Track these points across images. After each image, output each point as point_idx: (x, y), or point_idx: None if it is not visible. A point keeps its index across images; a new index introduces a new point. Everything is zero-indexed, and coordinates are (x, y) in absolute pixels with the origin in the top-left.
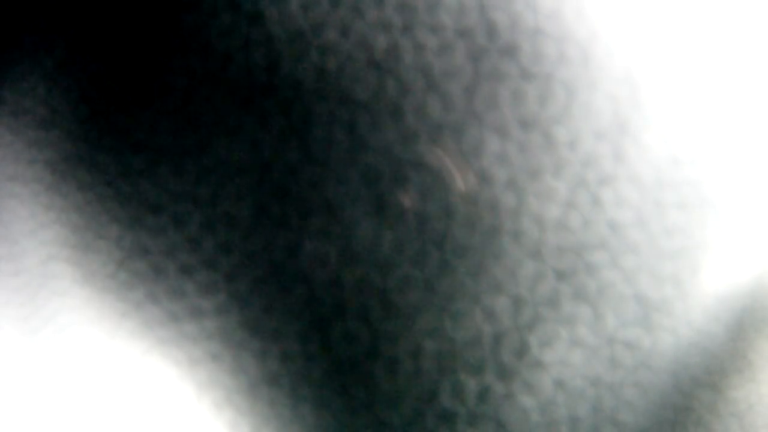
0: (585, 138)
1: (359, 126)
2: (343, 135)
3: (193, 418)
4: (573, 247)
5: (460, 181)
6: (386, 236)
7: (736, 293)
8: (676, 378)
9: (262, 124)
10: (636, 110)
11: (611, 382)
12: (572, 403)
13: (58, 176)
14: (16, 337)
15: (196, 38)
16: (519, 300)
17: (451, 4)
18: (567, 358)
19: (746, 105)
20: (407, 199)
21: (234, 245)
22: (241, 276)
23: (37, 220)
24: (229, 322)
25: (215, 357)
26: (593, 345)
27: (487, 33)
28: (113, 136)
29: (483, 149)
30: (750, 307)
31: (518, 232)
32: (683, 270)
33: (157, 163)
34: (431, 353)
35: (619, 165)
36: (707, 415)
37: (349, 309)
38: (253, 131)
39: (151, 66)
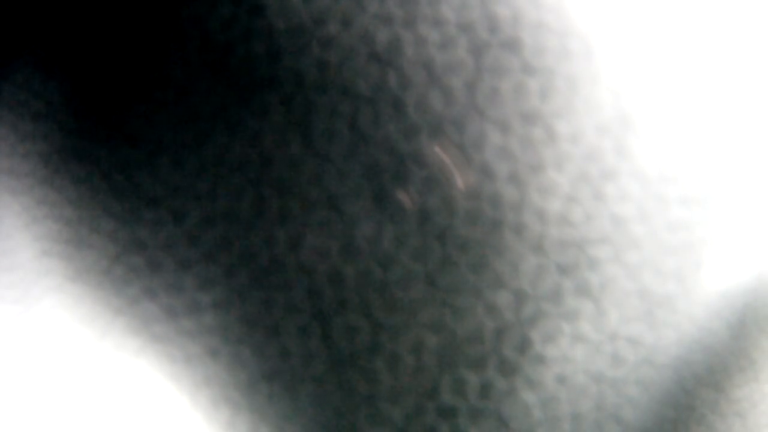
0: (587, 132)
1: (361, 119)
2: (345, 128)
3: (188, 416)
4: (575, 242)
5: (461, 177)
6: (387, 230)
7: (739, 290)
8: (679, 375)
9: (262, 117)
10: (638, 104)
11: (614, 379)
12: (574, 399)
13: (52, 169)
14: (9, 334)
15: (196, 29)
16: (521, 295)
17: None
18: (569, 353)
19: (750, 101)
20: (408, 193)
21: (234, 239)
22: (240, 270)
23: (30, 214)
24: (228, 317)
25: (213, 353)
26: (596, 340)
27: (489, 27)
28: (109, 129)
29: (485, 143)
30: (753, 305)
31: (520, 227)
32: (686, 266)
33: (155, 156)
34: (432, 348)
35: (621, 159)
36: (710, 414)
37: (350, 303)
38: (254, 124)
39: (149, 57)
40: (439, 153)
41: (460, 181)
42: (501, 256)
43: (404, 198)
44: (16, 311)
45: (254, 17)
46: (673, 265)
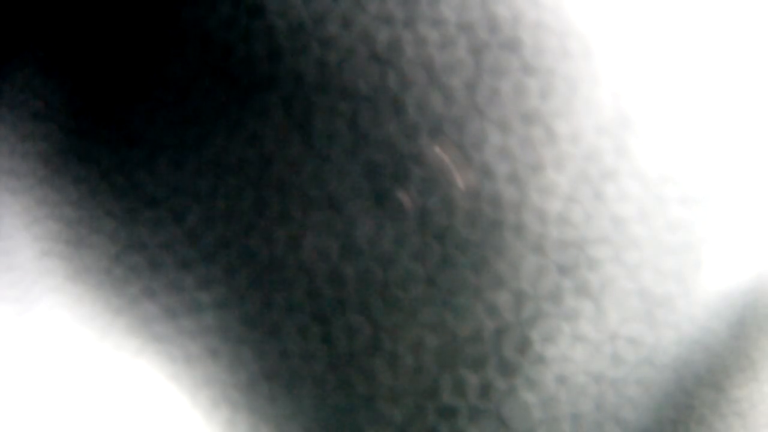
0: (587, 132)
1: (360, 120)
2: (345, 129)
3: (188, 416)
4: (575, 242)
5: (461, 177)
6: (387, 230)
7: (738, 290)
8: (679, 375)
9: (262, 117)
10: (638, 105)
11: (613, 379)
12: (574, 399)
13: (52, 169)
14: (9, 333)
15: (196, 30)
16: (521, 295)
17: None
18: (569, 353)
19: (749, 101)
20: (408, 193)
21: (234, 239)
22: (240, 270)
23: (30, 214)
24: (228, 317)
25: (213, 353)
26: (595, 341)
27: (489, 27)
28: (109, 129)
29: (485, 143)
30: (752, 305)
31: (520, 227)
32: (686, 266)
33: (155, 156)
34: (432, 348)
35: (621, 159)
36: (709, 414)
37: (349, 303)
38: (254, 124)
39: (149, 58)
40: (439, 153)
41: (460, 181)
42: (501, 256)
43: (404, 198)
44: (16, 311)
45: (254, 17)
46: (673, 265)
